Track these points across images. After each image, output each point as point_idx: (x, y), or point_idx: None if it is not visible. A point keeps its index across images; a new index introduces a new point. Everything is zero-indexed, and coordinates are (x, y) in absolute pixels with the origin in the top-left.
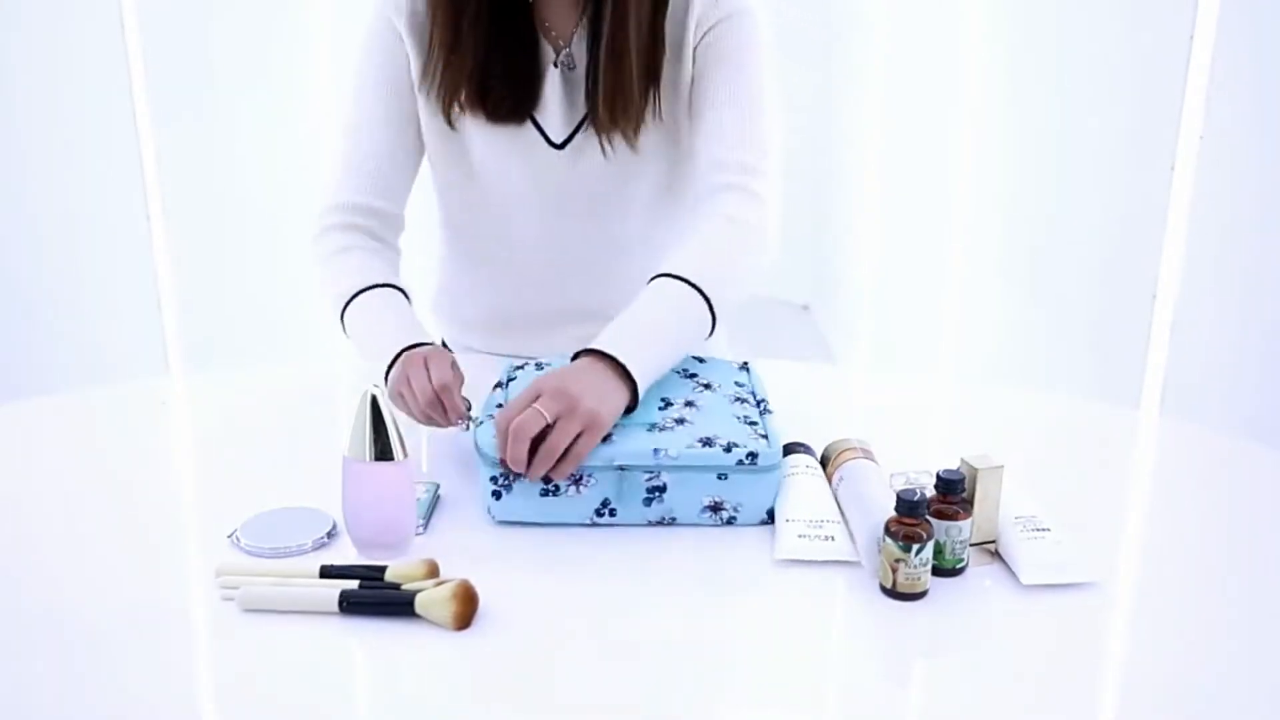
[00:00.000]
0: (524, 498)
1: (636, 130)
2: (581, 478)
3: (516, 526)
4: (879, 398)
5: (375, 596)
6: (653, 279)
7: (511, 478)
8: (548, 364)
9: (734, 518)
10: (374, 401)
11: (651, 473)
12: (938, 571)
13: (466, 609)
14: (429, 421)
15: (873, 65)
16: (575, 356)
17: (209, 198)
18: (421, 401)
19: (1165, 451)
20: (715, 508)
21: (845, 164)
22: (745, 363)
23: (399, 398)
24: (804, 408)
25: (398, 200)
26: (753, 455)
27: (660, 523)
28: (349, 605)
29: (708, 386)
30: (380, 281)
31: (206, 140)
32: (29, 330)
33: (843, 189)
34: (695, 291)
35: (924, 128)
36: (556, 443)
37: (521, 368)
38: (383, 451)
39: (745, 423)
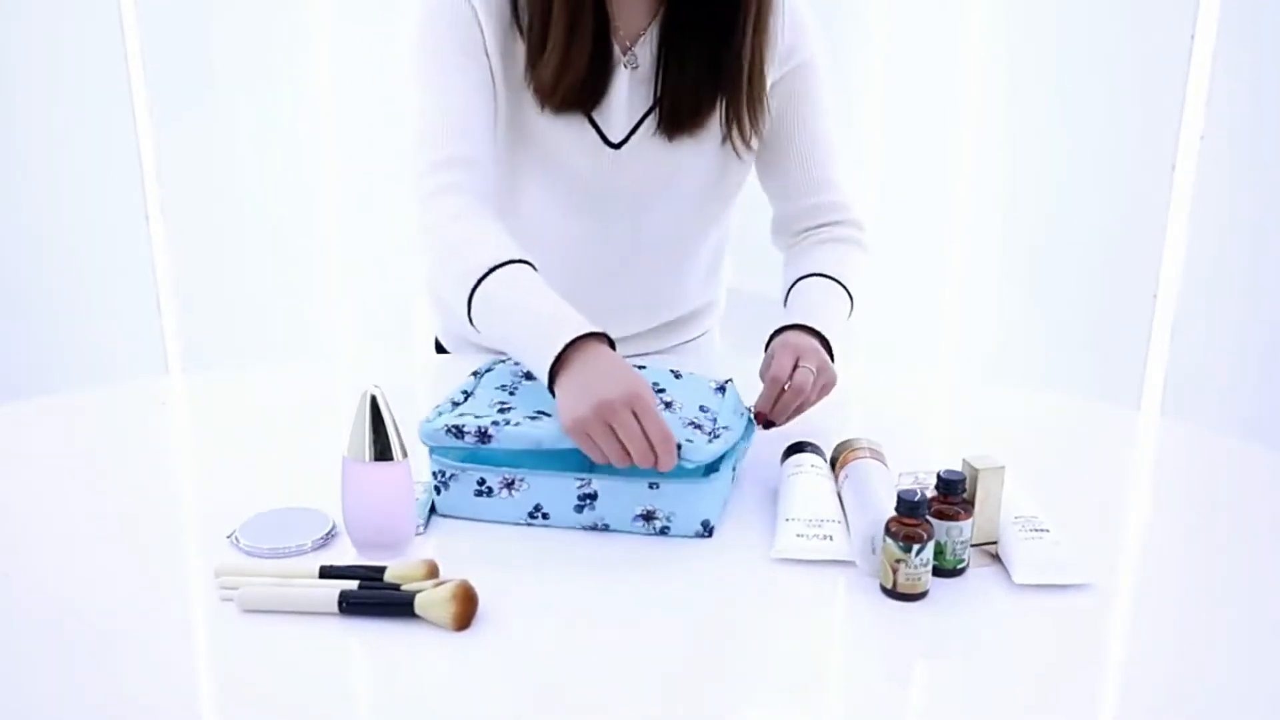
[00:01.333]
0: (460, 496)
1: (757, 128)
2: (514, 481)
3: (517, 526)
4: (879, 398)
5: (375, 597)
6: (809, 275)
7: (448, 476)
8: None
9: (667, 528)
10: (374, 401)
11: (582, 480)
12: (939, 572)
13: (466, 609)
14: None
15: (873, 65)
16: (775, 333)
17: (209, 198)
18: (637, 457)
19: (1165, 452)
20: (647, 516)
21: (845, 164)
22: (724, 384)
23: (586, 440)
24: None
25: (490, 157)
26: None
27: (594, 528)
28: (349, 606)
29: (669, 405)
30: (517, 257)
31: (206, 140)
32: (29, 330)
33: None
34: (846, 293)
35: (924, 128)
36: (811, 397)
37: (503, 361)
38: (382, 451)
39: (684, 440)
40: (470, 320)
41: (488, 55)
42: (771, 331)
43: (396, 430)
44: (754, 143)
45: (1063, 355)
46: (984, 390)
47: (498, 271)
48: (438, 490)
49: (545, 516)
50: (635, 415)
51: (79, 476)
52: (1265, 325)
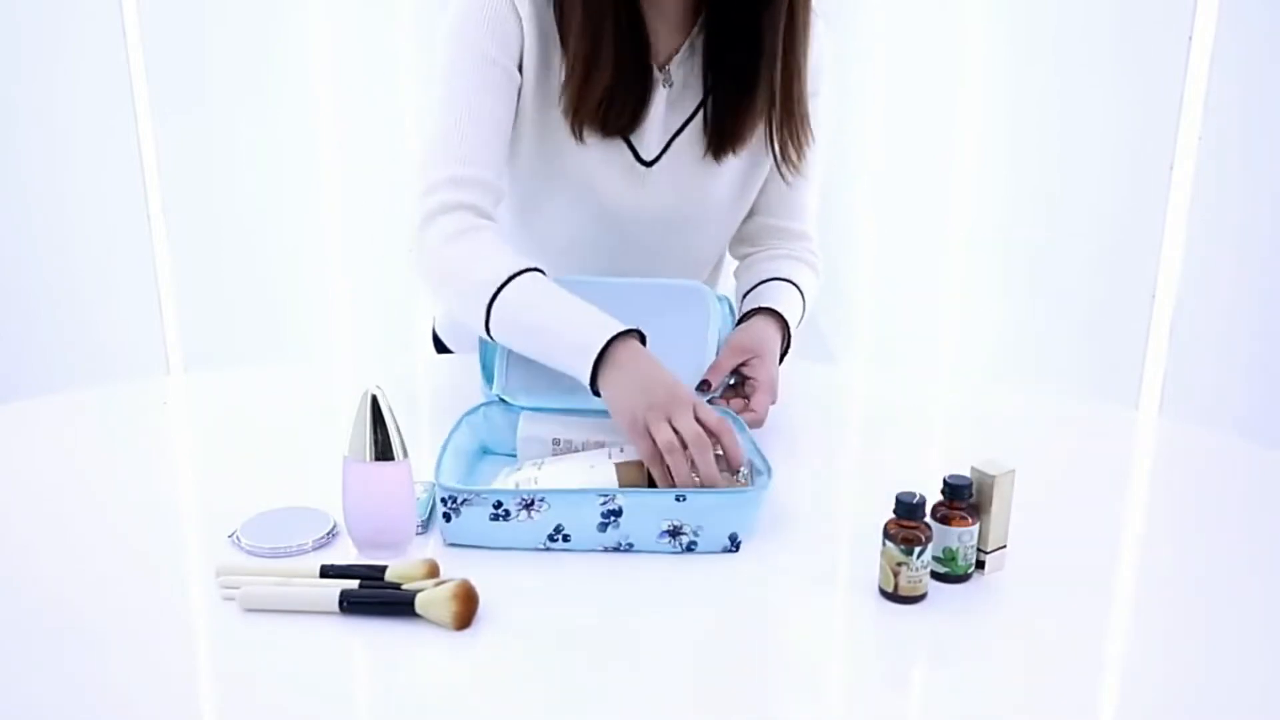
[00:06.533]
0: (473, 523)
1: (799, 149)
2: (533, 503)
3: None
4: (879, 398)
5: (375, 596)
6: (772, 279)
7: (460, 501)
8: None
9: (694, 543)
10: (374, 401)
11: (606, 496)
12: (950, 578)
13: (466, 609)
14: (676, 477)
15: (873, 65)
16: (750, 314)
17: (209, 197)
18: (695, 443)
19: (1163, 451)
20: (674, 532)
21: (844, 164)
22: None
23: (642, 438)
24: (805, 408)
25: (500, 177)
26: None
27: (616, 549)
28: (349, 605)
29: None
30: (529, 266)
31: (207, 140)
32: (29, 330)
33: (842, 190)
34: (802, 300)
35: (924, 128)
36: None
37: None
38: (383, 451)
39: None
40: (489, 333)
41: (521, 66)
42: (743, 311)
43: (397, 430)
44: (800, 164)
45: (1061, 355)
46: (983, 390)
47: (515, 281)
48: (446, 518)
49: (566, 539)
50: (696, 410)
51: (79, 476)
52: (1262, 324)
